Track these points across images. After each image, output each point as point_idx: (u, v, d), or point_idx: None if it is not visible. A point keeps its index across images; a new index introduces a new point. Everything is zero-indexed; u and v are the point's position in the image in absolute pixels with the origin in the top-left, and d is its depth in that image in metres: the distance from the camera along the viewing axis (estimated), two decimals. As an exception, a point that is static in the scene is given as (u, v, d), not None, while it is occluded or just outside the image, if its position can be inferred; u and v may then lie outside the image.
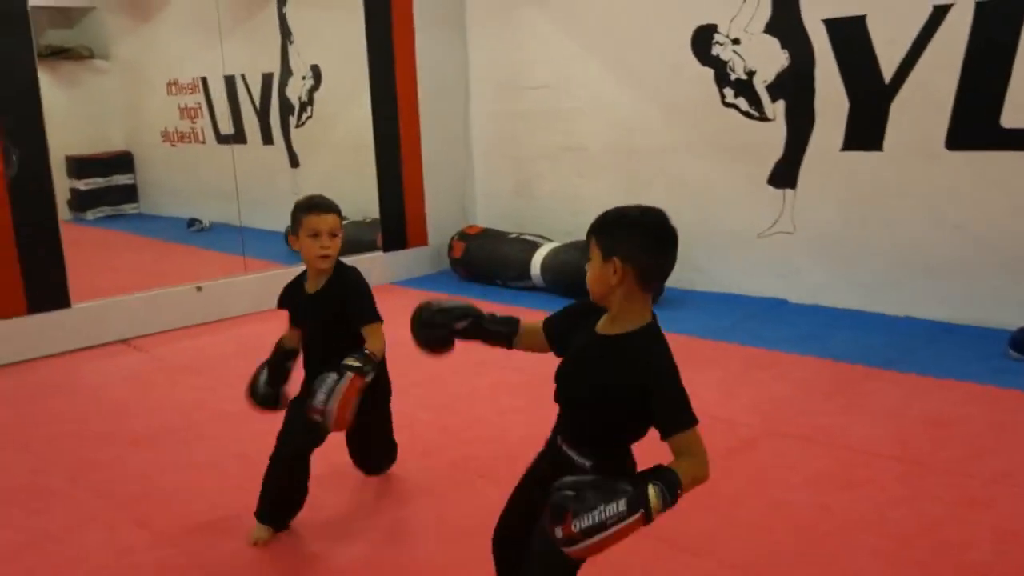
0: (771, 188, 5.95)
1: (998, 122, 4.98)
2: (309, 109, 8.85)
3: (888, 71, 5.33)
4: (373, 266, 6.86)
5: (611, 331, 1.98)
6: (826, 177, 5.68)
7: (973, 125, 5.07)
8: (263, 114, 9.30)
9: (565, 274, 6.20)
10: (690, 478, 1.83)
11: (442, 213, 7.66)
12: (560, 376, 2.07)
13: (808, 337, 5.22)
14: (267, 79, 9.16)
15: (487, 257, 6.93)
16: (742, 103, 5.99)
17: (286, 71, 8.92)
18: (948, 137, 5.17)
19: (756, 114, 5.94)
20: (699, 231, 6.21)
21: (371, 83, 7.27)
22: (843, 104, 5.53)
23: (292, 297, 3.19)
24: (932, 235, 5.31)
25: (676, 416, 1.86)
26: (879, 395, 4.27)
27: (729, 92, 6.03)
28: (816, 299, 5.85)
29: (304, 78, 8.83)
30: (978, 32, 4.96)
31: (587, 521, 1.69)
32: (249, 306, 6.31)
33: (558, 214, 7.03)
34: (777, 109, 5.85)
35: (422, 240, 7.60)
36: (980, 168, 5.08)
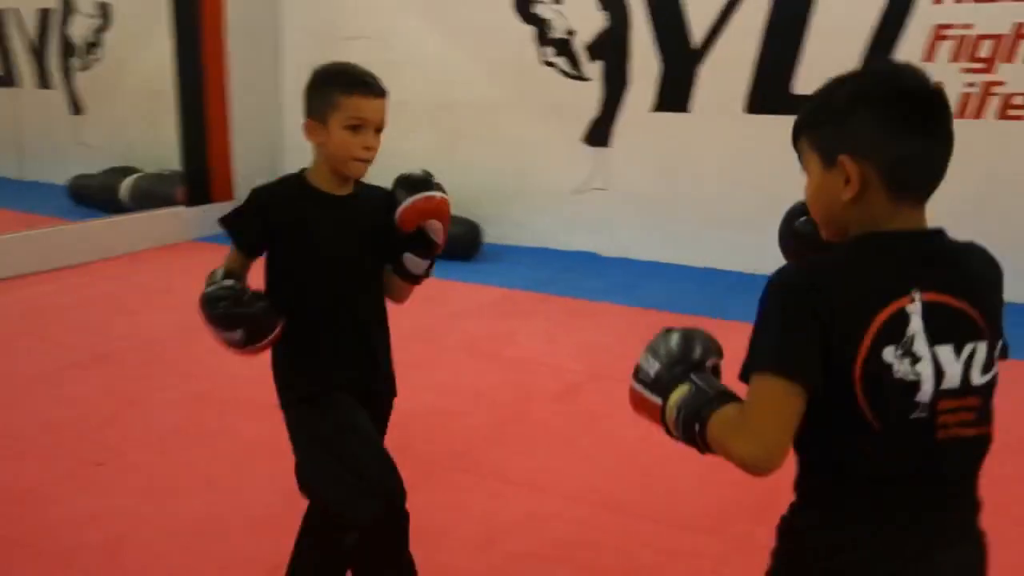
0: (586, 146, 6.17)
1: (789, 89, 5.41)
2: (96, 51, 8.20)
3: (697, 37, 5.65)
4: (175, 222, 6.50)
5: None
6: (638, 137, 5.96)
7: (769, 91, 5.48)
8: (39, 55, 8.53)
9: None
10: (716, 430, 1.28)
11: (251, 167, 7.34)
12: None
13: (622, 287, 5.50)
14: (44, 15, 8.39)
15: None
16: (561, 62, 6.15)
17: (67, 7, 8.21)
18: (748, 101, 5.56)
19: (574, 73, 6.12)
20: (517, 187, 6.36)
21: (173, 26, 6.83)
22: (656, 67, 5.81)
23: (288, 204, 2.04)
24: (733, 191, 5.71)
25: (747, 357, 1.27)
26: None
27: (549, 51, 6.18)
28: (627, 253, 6.15)
29: (90, 16, 8.17)
30: (777, 8, 5.35)
31: (640, 374, 1.44)
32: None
33: (373, 169, 6.94)
34: (594, 69, 6.05)
35: (228, 195, 7.27)
36: (773, 131, 5.49)
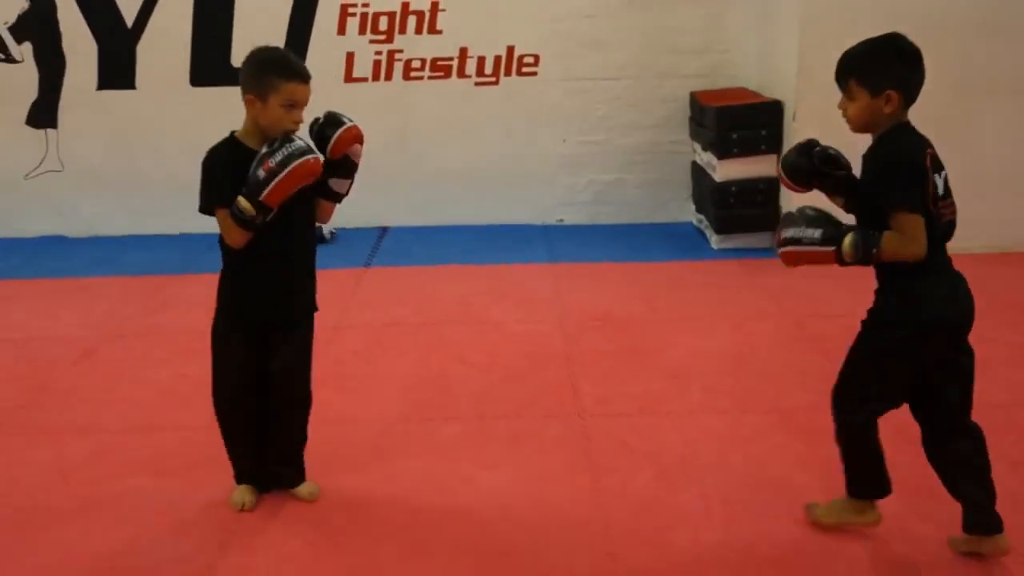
0: (31, 129, 6.05)
1: (229, 61, 6.01)
2: None
3: (129, 17, 5.91)
4: None
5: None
6: (87, 115, 6.04)
7: (210, 65, 6.01)
8: None
9: None
10: (893, 246, 2.29)
11: None
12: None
13: (101, 262, 5.63)
14: None
15: None
16: (-13, 45, 5.90)
17: None
18: (191, 75, 6.02)
19: (3, 56, 5.93)
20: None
21: None
22: (92, 46, 5.94)
23: (239, 164, 2.60)
24: (192, 160, 6.11)
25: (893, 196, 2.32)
26: (187, 291, 5.00)
27: (-37, 33, 5.87)
28: (95, 231, 6.22)
29: None
30: (202, -15, 5.89)
31: (789, 233, 2.45)
32: None
33: None
34: (24, 51, 5.94)
35: None
36: (222, 100, 6.05)
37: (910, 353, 2.43)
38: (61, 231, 6.23)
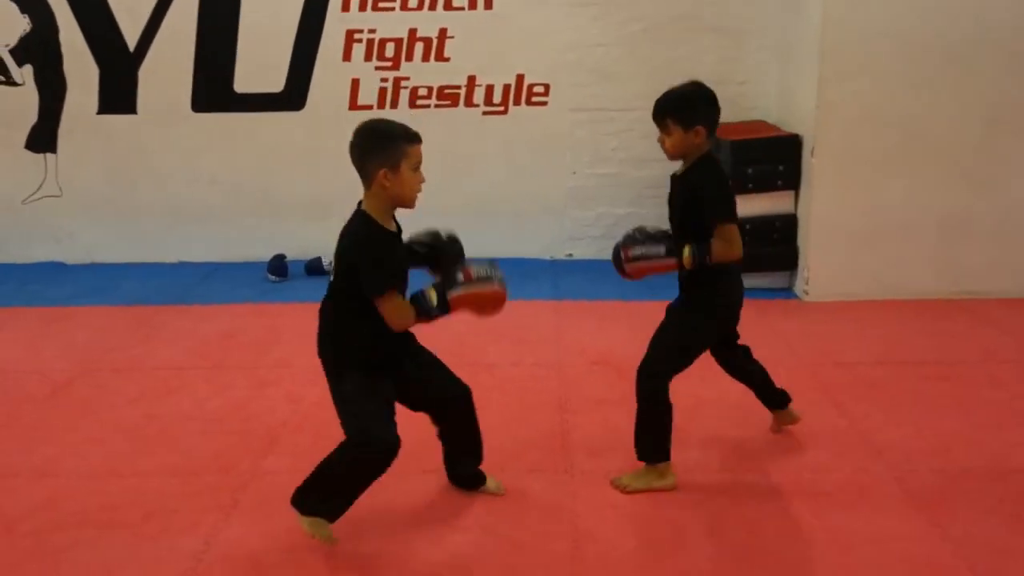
0: (32, 154, 5.94)
1: (232, 87, 5.88)
2: None
3: (132, 40, 5.80)
4: None
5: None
6: (87, 140, 5.92)
7: (212, 90, 5.88)
8: None
9: None
10: (722, 251, 2.87)
11: None
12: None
13: (96, 290, 5.48)
14: None
15: None
16: (-15, 67, 5.82)
17: None
18: (193, 100, 5.89)
19: (3, 78, 5.83)
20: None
21: None
22: (93, 70, 5.83)
23: (394, 244, 2.73)
24: (193, 188, 6.00)
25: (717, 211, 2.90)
26: (174, 324, 4.83)
27: (-30, 56, 5.79)
28: (93, 258, 6.08)
29: None
30: (205, 13, 5.74)
31: (637, 251, 2.92)
32: None
33: None
34: (25, 73, 5.84)
35: None
36: (223, 126, 5.93)
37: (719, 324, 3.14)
38: (58, 257, 6.10)
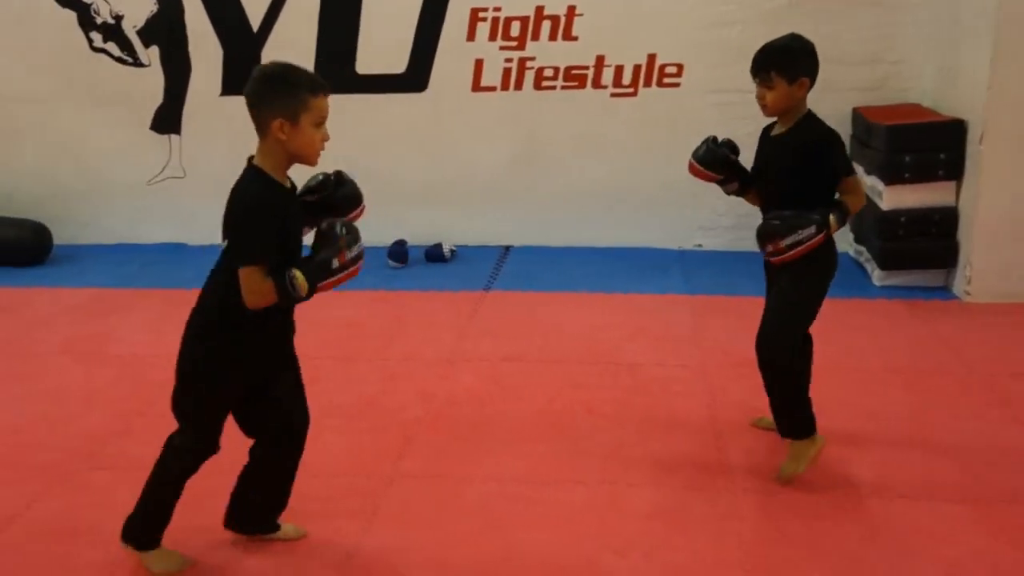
0: (156, 135, 5.95)
1: (354, 69, 5.75)
2: None
3: (255, 21, 5.73)
4: None
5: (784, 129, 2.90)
6: (210, 121, 5.88)
7: (335, 71, 5.75)
8: None
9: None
10: (856, 204, 2.86)
11: None
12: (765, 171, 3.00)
13: (217, 274, 5.44)
14: None
15: None
16: (113, 48, 5.82)
17: None
18: (315, 82, 5.78)
19: (130, 60, 5.84)
20: (80, 185, 5.96)
21: None
22: (217, 51, 5.78)
23: (278, 210, 2.41)
24: (312, 170, 5.90)
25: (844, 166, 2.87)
26: (297, 310, 4.73)
27: (97, 37, 5.81)
28: (215, 240, 6.03)
29: None
30: (329, -9, 5.64)
31: (788, 241, 2.73)
32: None
33: None
34: (152, 54, 5.83)
35: None
36: (341, 108, 5.79)
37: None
38: (181, 239, 6.10)
